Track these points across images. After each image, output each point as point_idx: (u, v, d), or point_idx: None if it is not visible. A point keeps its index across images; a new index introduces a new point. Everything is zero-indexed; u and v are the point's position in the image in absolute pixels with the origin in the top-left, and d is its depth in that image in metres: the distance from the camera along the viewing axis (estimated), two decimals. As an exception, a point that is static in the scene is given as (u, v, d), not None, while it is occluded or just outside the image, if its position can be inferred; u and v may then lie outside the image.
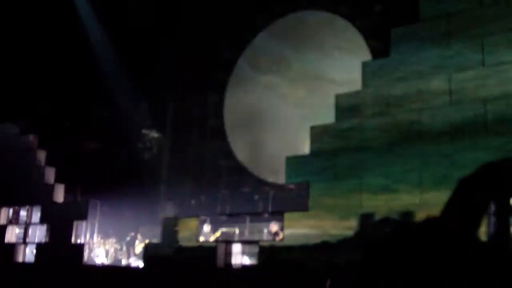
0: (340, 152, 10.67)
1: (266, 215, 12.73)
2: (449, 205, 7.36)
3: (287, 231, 10.97)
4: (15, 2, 16.36)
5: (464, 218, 7.19)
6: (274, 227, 12.22)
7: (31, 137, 16.32)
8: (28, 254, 14.92)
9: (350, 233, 9.88)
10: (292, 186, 13.35)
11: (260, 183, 15.92)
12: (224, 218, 13.68)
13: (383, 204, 9.61)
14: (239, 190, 16.04)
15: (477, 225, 7.07)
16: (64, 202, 15.34)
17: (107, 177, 16.37)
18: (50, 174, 15.73)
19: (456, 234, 7.03)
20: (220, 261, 11.85)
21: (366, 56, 14.80)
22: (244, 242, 12.38)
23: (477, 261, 6.54)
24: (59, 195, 15.48)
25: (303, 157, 11.47)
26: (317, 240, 10.23)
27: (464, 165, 8.53)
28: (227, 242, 12.38)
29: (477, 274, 6.37)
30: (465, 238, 6.98)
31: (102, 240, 14.86)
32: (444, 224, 7.19)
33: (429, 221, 7.48)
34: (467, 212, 7.21)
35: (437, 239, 6.94)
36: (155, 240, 13.65)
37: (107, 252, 14.76)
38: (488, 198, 7.00)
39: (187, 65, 17.32)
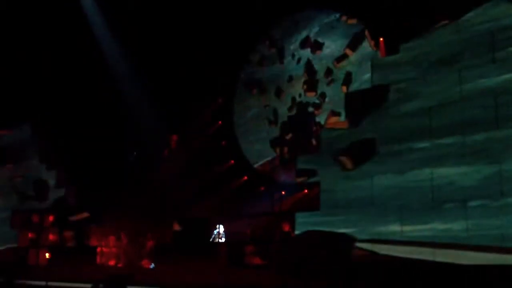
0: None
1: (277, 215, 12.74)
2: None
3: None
4: (23, 8, 16.39)
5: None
6: (286, 226, 12.23)
7: (42, 141, 16.39)
8: (41, 257, 14.97)
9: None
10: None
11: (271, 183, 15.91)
12: (236, 218, 13.70)
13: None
14: (251, 191, 16.02)
15: None
16: (76, 205, 15.40)
17: (118, 180, 16.39)
18: (61, 177, 15.79)
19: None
20: (234, 261, 11.84)
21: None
22: (256, 242, 12.38)
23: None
24: (71, 198, 15.54)
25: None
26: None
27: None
28: (239, 242, 12.40)
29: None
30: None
31: (114, 242, 14.91)
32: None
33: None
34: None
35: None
36: (166, 241, 13.69)
37: (119, 254, 14.80)
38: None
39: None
